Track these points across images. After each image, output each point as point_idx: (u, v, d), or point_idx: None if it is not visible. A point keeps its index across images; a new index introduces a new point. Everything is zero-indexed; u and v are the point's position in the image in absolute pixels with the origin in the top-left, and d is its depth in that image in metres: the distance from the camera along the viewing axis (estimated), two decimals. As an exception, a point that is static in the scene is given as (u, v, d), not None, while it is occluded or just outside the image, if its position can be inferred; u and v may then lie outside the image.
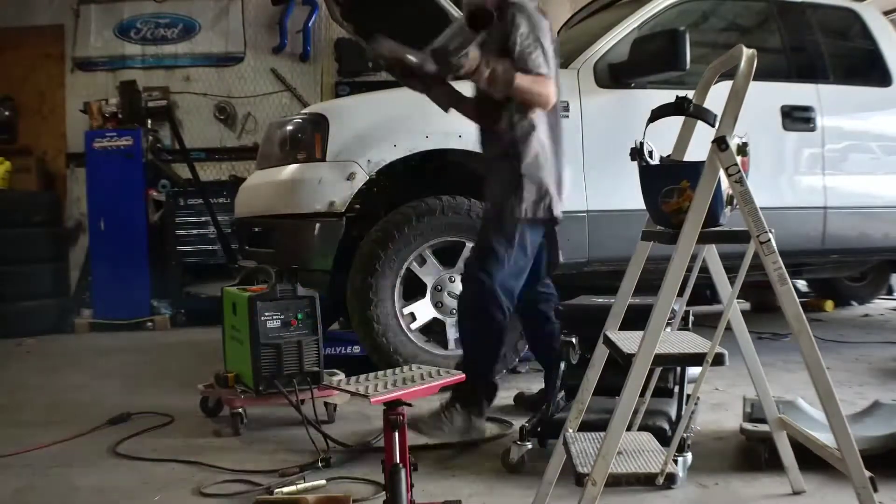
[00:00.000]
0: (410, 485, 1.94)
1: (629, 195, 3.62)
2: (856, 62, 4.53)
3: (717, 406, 3.18)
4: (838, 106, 4.26)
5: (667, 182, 1.85)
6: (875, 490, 1.70)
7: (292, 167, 3.63)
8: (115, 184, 6.26)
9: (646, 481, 1.86)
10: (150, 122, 6.72)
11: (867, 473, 1.70)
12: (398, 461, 1.89)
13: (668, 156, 2.24)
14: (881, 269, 6.10)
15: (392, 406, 1.90)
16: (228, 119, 7.38)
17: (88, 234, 6.49)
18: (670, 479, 1.85)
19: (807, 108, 4.15)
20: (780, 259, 1.77)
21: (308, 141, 3.62)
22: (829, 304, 6.21)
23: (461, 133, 3.45)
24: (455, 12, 3.62)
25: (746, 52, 1.80)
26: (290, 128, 3.75)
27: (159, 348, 5.39)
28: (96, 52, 7.16)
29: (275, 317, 2.95)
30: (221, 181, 6.99)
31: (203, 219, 6.54)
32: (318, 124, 3.58)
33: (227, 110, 7.37)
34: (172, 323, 6.39)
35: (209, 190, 6.59)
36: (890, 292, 6.97)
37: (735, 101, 1.78)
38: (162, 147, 6.87)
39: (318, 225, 3.55)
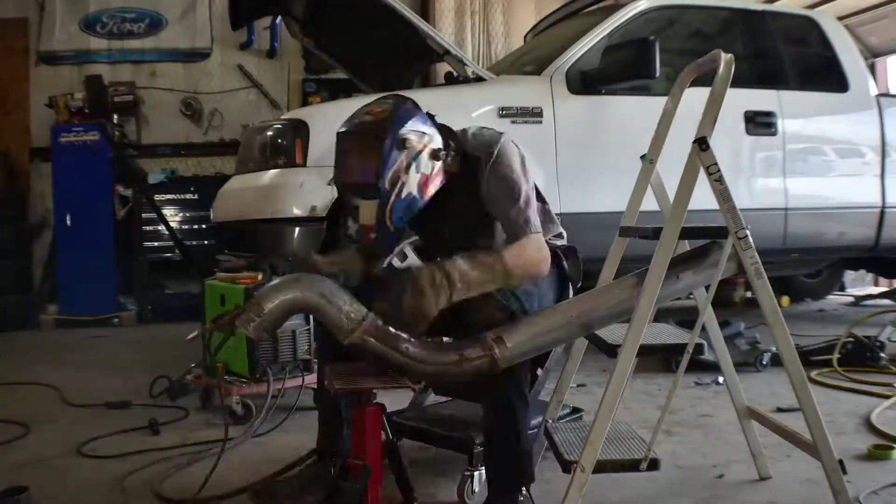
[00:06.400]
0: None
1: (601, 198, 3.80)
2: (814, 69, 4.69)
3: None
4: (798, 111, 4.42)
5: None
6: (844, 472, 1.82)
7: (273, 172, 3.60)
8: (82, 179, 6.19)
9: (630, 467, 1.96)
10: (115, 117, 6.67)
11: (837, 457, 1.82)
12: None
13: (643, 156, 2.35)
14: (834, 266, 6.34)
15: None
16: (195, 115, 7.29)
17: (53, 229, 6.39)
18: (653, 465, 1.96)
19: (769, 114, 4.30)
20: (756, 254, 1.87)
21: (289, 146, 3.59)
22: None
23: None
24: (416, 20, 3.66)
25: (725, 57, 1.89)
26: (270, 133, 3.72)
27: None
28: (61, 45, 7.03)
29: None
30: (186, 177, 6.98)
31: (170, 214, 6.56)
32: (299, 130, 3.56)
33: (194, 106, 7.28)
34: (139, 319, 6.35)
35: (178, 187, 6.61)
36: (842, 289, 7.25)
37: (714, 104, 1.87)
38: (128, 142, 6.83)
39: (299, 229, 3.57)
